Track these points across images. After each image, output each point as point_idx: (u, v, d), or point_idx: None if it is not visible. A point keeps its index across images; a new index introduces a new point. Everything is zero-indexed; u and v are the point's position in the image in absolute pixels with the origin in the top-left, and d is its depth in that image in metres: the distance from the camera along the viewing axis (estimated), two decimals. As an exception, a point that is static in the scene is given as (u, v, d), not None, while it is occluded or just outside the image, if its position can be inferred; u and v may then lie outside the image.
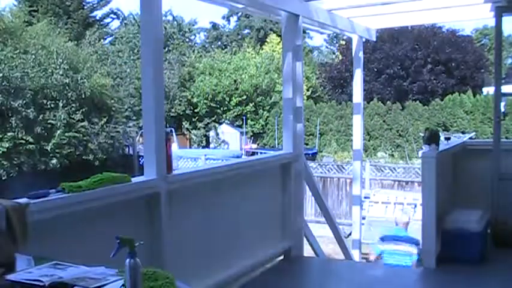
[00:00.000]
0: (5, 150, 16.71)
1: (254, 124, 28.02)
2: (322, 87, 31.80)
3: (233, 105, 27.84)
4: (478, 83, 28.45)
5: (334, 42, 40.22)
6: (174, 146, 19.57)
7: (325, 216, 6.06)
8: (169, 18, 35.95)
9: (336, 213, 13.59)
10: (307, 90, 29.04)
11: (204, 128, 28.07)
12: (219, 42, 40.03)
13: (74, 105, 18.55)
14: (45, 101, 17.90)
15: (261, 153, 19.97)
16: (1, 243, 1.96)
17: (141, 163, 10.64)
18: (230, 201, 4.25)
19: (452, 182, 5.74)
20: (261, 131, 28.26)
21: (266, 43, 35.02)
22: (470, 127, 24.18)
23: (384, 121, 25.53)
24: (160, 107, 3.41)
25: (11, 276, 1.72)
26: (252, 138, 27.94)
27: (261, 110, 28.27)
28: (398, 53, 27.79)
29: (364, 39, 7.05)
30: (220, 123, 27.93)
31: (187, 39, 37.09)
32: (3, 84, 16.83)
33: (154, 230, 3.33)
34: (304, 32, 7.69)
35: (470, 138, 20.02)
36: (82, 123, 18.73)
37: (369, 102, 25.49)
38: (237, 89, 27.84)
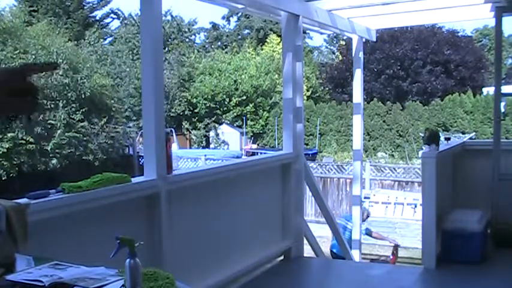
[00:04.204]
0: (5, 150, 16.70)
1: (254, 124, 28.02)
2: (322, 87, 31.80)
3: (233, 105, 27.84)
4: (478, 83, 28.46)
5: (334, 42, 40.21)
6: (174, 146, 19.58)
7: (325, 216, 6.06)
8: (168, 18, 35.94)
9: (336, 213, 13.59)
10: (307, 90, 29.04)
11: (204, 128, 28.07)
12: (219, 43, 40.03)
13: (74, 105, 18.54)
14: (45, 101, 17.89)
15: (261, 153, 19.97)
16: (1, 244, 1.96)
17: (141, 163, 10.64)
18: (230, 201, 4.25)
19: (452, 182, 5.73)
20: (261, 131, 28.27)
21: (266, 43, 35.02)
22: (471, 127, 24.19)
23: (383, 121, 25.54)
24: (160, 107, 3.41)
25: (11, 277, 1.72)
26: (252, 138, 27.94)
27: (261, 111, 28.28)
28: (398, 53, 27.80)
29: (364, 40, 7.05)
30: (220, 124, 27.94)
31: (186, 39, 37.09)
32: (3, 84, 16.80)
33: (155, 230, 3.33)
34: (304, 32, 7.69)
35: (471, 138, 20.05)
36: (82, 124, 18.72)
37: (369, 102, 25.51)
38: (237, 89, 27.85)
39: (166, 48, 29.92)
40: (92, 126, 19.14)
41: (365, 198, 12.78)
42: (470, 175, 5.80)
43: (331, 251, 7.53)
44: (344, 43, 29.80)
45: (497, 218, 5.45)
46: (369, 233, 8.47)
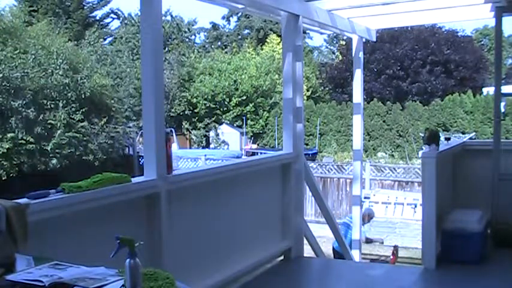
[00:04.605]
0: (5, 151, 16.69)
1: (254, 124, 28.03)
2: (322, 87, 31.81)
3: (233, 105, 27.85)
4: (478, 83, 28.46)
5: (334, 42, 40.23)
6: (174, 146, 19.58)
7: (325, 216, 6.06)
8: (168, 18, 35.94)
9: (336, 213, 13.60)
10: (307, 90, 29.05)
11: (204, 128, 28.08)
12: (219, 43, 40.05)
13: (74, 105, 18.54)
14: (45, 101, 17.88)
15: (261, 153, 19.98)
16: (1, 244, 1.96)
17: (141, 163, 10.65)
18: (230, 201, 4.25)
19: (452, 182, 5.74)
20: (261, 131, 28.27)
21: (266, 43, 35.03)
22: (470, 127, 24.20)
23: (383, 121, 25.55)
24: (160, 107, 3.41)
25: (11, 277, 1.73)
26: (252, 138, 27.95)
27: (261, 111, 28.29)
28: (398, 53, 27.80)
29: (364, 40, 7.05)
30: (220, 124, 27.95)
31: (186, 39, 37.09)
32: (3, 84, 16.81)
33: (155, 230, 3.33)
34: (304, 32, 7.69)
35: (471, 138, 20.06)
36: (82, 124, 18.72)
37: (369, 102, 25.53)
38: (237, 89, 27.85)
39: (166, 48, 29.92)
40: (92, 126, 19.13)
41: (365, 198, 12.79)
42: (470, 175, 5.80)
43: (333, 247, 7.53)
44: (344, 43, 29.80)
45: (497, 218, 5.45)
46: (369, 241, 8.60)
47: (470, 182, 5.73)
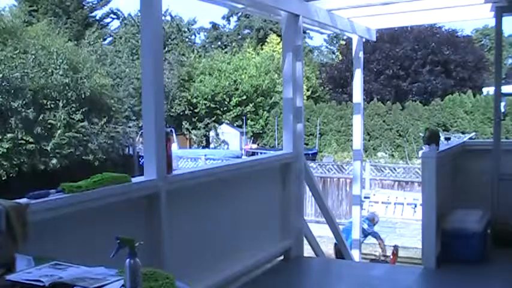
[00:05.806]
0: (5, 151, 16.69)
1: (254, 124, 28.02)
2: (322, 87, 31.81)
3: (233, 105, 27.85)
4: (478, 83, 28.47)
5: (334, 42, 40.20)
6: (174, 146, 19.58)
7: (325, 216, 6.06)
8: (168, 18, 35.90)
9: (336, 213, 13.60)
10: (307, 90, 29.04)
11: (204, 128, 28.08)
12: (219, 42, 40.02)
13: (74, 105, 18.54)
14: (45, 101, 17.89)
15: (261, 153, 19.98)
16: (1, 244, 1.96)
17: (141, 163, 10.64)
18: (230, 201, 4.25)
19: (452, 182, 5.73)
20: (261, 131, 28.27)
21: (266, 43, 35.02)
22: (471, 127, 24.19)
23: (384, 121, 25.55)
24: (160, 107, 3.41)
25: (11, 277, 1.73)
26: (252, 138, 27.95)
27: (261, 110, 28.28)
28: (398, 53, 27.80)
29: (364, 40, 7.05)
30: (220, 124, 27.95)
31: (186, 39, 37.06)
32: (3, 84, 16.82)
33: (154, 230, 3.33)
34: (304, 32, 7.69)
35: (470, 138, 20.06)
36: (82, 123, 18.72)
37: (369, 102, 25.53)
38: (236, 89, 27.85)
39: (166, 48, 29.90)
40: (92, 126, 19.13)
41: (365, 198, 12.80)
42: (470, 175, 5.80)
43: (335, 243, 7.50)
44: (344, 43, 29.80)
45: (497, 218, 5.45)
46: (376, 236, 8.61)
47: (470, 182, 5.73)
